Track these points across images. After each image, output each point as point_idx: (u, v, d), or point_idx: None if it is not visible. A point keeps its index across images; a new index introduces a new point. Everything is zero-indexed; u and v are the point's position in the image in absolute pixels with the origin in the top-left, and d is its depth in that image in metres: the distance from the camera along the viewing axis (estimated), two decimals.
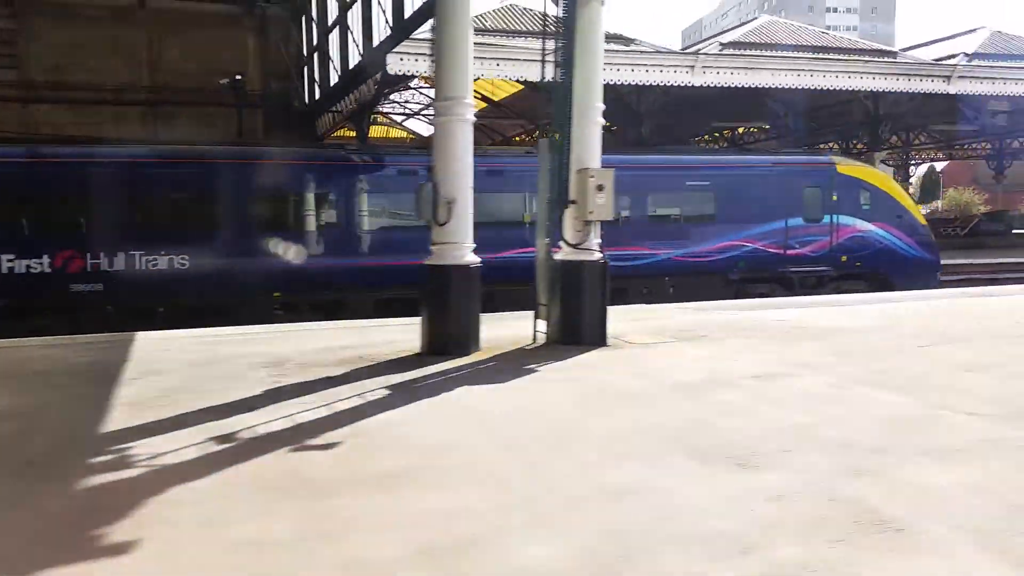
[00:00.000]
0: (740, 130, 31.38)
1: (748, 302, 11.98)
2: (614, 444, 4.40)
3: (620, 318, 10.11)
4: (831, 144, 33.56)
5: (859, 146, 33.99)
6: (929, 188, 79.88)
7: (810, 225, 17.46)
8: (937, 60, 22.98)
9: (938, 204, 72.75)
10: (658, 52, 19.18)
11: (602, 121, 8.24)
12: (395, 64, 16.93)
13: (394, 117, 39.46)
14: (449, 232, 7.50)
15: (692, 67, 18.90)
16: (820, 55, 20.50)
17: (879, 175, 18.45)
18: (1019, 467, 3.92)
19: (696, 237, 16.79)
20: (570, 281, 8.06)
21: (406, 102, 34.92)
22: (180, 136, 22.83)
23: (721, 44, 21.37)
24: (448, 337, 7.47)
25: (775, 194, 17.22)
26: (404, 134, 40.63)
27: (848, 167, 18.03)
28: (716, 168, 17.34)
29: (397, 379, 6.29)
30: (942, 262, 24.45)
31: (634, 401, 5.51)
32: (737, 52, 20.25)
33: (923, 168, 68.16)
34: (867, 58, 21.17)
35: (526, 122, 29.93)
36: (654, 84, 18.97)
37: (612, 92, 22.15)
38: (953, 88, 20.83)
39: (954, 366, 6.56)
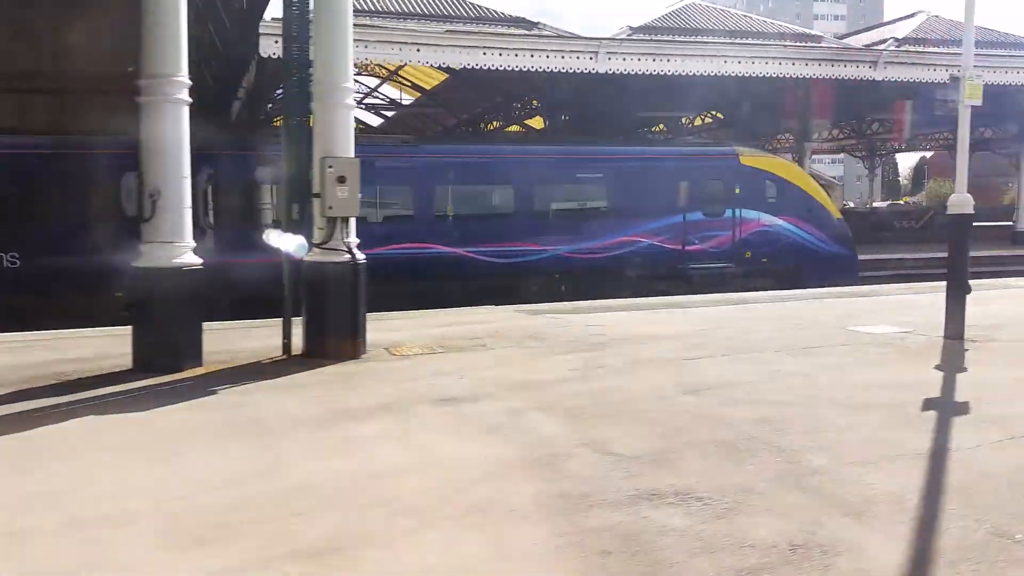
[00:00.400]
0: (684, 120, 30.35)
1: (587, 304, 11.08)
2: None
3: (432, 323, 9.36)
4: (786, 134, 32.65)
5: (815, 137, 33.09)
6: (919, 180, 79.08)
7: (711, 219, 16.55)
8: (869, 46, 22.04)
9: (922, 196, 71.86)
10: (560, 37, 18.16)
11: (352, 104, 7.35)
12: (268, 46, 15.98)
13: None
14: (155, 230, 6.61)
15: (596, 53, 17.95)
16: (737, 40, 19.51)
17: (787, 166, 17.54)
18: (529, 537, 3.06)
19: (588, 232, 15.87)
20: (314, 286, 7.18)
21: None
22: (89, 126, 21.87)
23: (631, 28, 20.37)
24: (153, 351, 6.59)
25: (673, 187, 16.32)
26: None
27: (752, 158, 17.11)
28: (608, 159, 16.42)
29: (33, 406, 5.41)
30: (889, 256, 23.65)
31: (231, 440, 4.62)
32: (646, 37, 19.28)
33: (904, 158, 67.32)
34: (788, 43, 20.19)
35: (459, 111, 28.98)
36: (556, 71, 18.02)
37: (525, 79, 21.25)
38: (879, 74, 19.88)
39: (687, 386, 5.68)
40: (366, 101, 34.01)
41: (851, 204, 62.04)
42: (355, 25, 17.14)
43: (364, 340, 7.30)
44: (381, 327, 8.89)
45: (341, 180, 6.99)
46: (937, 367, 6.22)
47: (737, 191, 16.68)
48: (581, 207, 16.25)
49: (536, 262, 15.47)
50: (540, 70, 17.96)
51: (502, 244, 15.27)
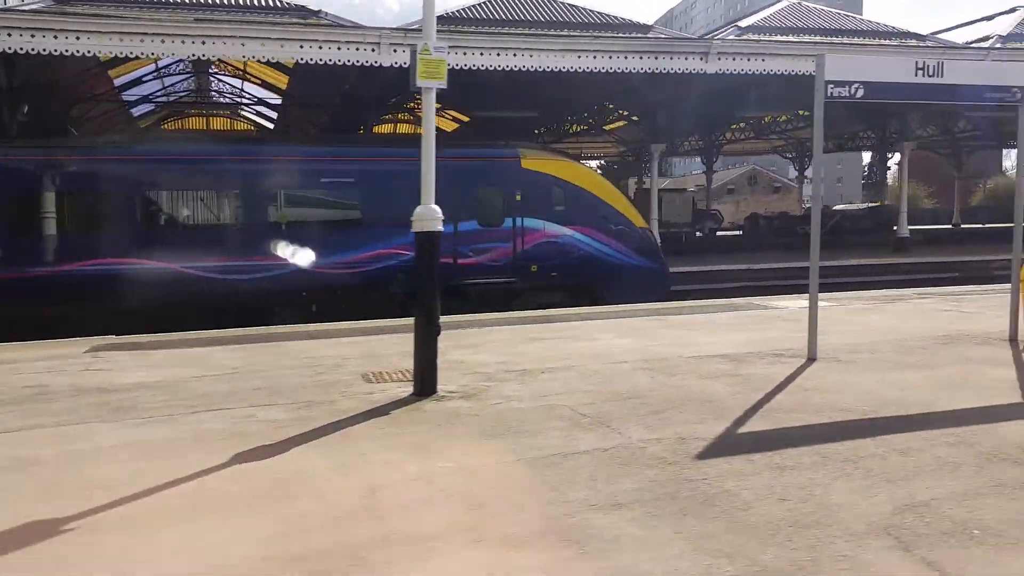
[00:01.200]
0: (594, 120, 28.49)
1: (203, 334, 9.30)
2: None
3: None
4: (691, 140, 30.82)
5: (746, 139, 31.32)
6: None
7: (487, 230, 14.74)
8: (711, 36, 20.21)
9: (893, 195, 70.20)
10: (339, 27, 16.40)
11: None
12: (23, 42, 14.29)
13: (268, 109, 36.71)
14: None
15: (377, 45, 16.19)
16: (551, 32, 17.71)
17: (578, 170, 15.66)
18: None
19: (336, 244, 14.05)
20: None
21: (230, 92, 32.22)
22: None
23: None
24: None
25: (441, 193, 14.44)
26: (246, 125, 38.03)
27: (537, 161, 15.24)
28: (361, 162, 14.60)
29: None
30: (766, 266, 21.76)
31: None
32: (443, 28, 17.46)
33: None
34: (610, 34, 18.37)
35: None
36: (335, 63, 16.27)
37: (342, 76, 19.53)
38: (711, 67, 18.05)
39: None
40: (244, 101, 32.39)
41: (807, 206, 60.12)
42: (88, 15, 15.47)
43: None
44: None
45: None
46: (252, 453, 4.37)
47: (518, 198, 14.87)
48: (327, 215, 14.46)
49: (273, 279, 13.65)
50: (315, 62, 16.20)
51: (229, 259, 13.49)
